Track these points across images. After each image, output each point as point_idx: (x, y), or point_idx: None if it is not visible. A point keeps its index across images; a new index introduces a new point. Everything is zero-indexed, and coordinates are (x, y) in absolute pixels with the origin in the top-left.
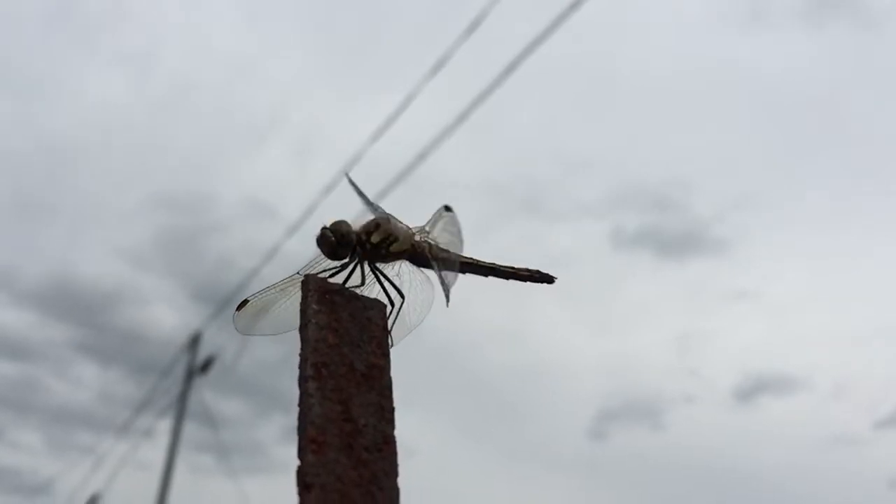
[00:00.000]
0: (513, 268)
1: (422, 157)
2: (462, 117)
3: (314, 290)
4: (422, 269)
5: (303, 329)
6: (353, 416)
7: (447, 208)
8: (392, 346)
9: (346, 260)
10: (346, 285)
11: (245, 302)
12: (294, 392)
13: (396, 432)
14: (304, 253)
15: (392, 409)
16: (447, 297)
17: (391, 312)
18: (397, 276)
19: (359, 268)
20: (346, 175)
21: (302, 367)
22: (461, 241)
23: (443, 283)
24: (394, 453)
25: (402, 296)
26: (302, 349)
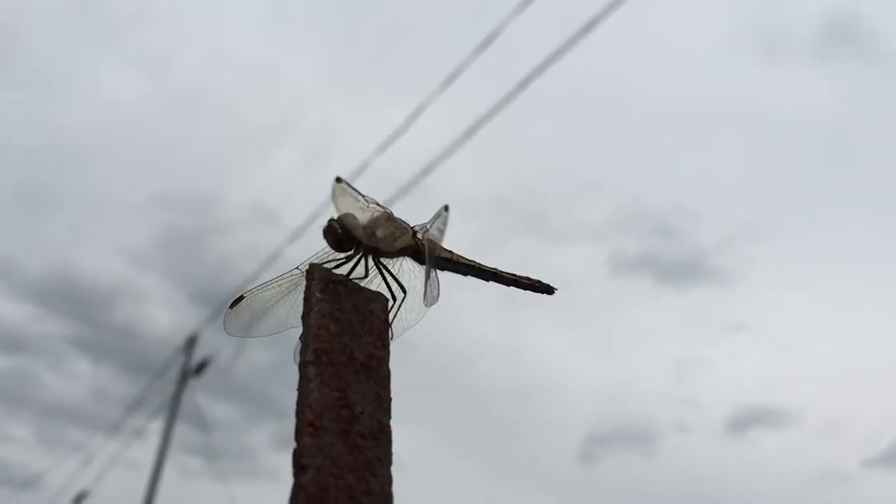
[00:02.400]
0: (514, 275)
1: (428, 169)
2: (471, 132)
3: (318, 279)
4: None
5: (305, 316)
6: (351, 403)
7: (446, 208)
8: (392, 339)
9: (351, 252)
10: (350, 277)
11: (240, 298)
12: (287, 400)
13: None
14: (305, 260)
15: (389, 400)
16: (427, 295)
17: (393, 306)
18: (400, 272)
19: (363, 261)
20: (338, 178)
21: (303, 352)
22: (442, 240)
23: (430, 281)
24: (389, 442)
25: (404, 291)
26: (304, 335)
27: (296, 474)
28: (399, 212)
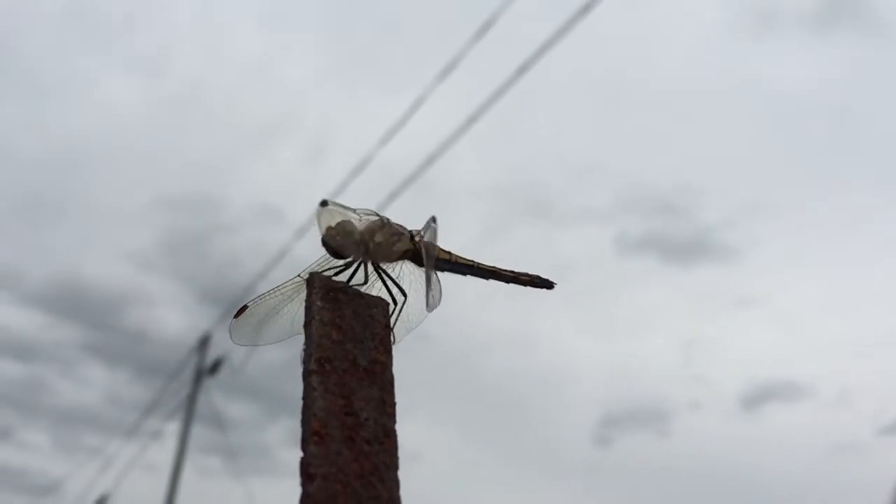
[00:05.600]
0: (513, 272)
1: (431, 160)
2: (471, 120)
3: (319, 287)
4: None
5: (307, 325)
6: (355, 410)
7: (434, 219)
8: (394, 343)
9: (350, 259)
10: (350, 284)
11: (244, 308)
12: (301, 394)
13: (400, 431)
14: (312, 256)
15: (393, 404)
16: (430, 299)
17: (394, 310)
18: (400, 275)
19: (362, 267)
20: (324, 200)
21: (306, 362)
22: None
23: (432, 284)
24: (394, 446)
25: (404, 294)
26: (306, 345)
27: (303, 483)
28: (403, 203)
